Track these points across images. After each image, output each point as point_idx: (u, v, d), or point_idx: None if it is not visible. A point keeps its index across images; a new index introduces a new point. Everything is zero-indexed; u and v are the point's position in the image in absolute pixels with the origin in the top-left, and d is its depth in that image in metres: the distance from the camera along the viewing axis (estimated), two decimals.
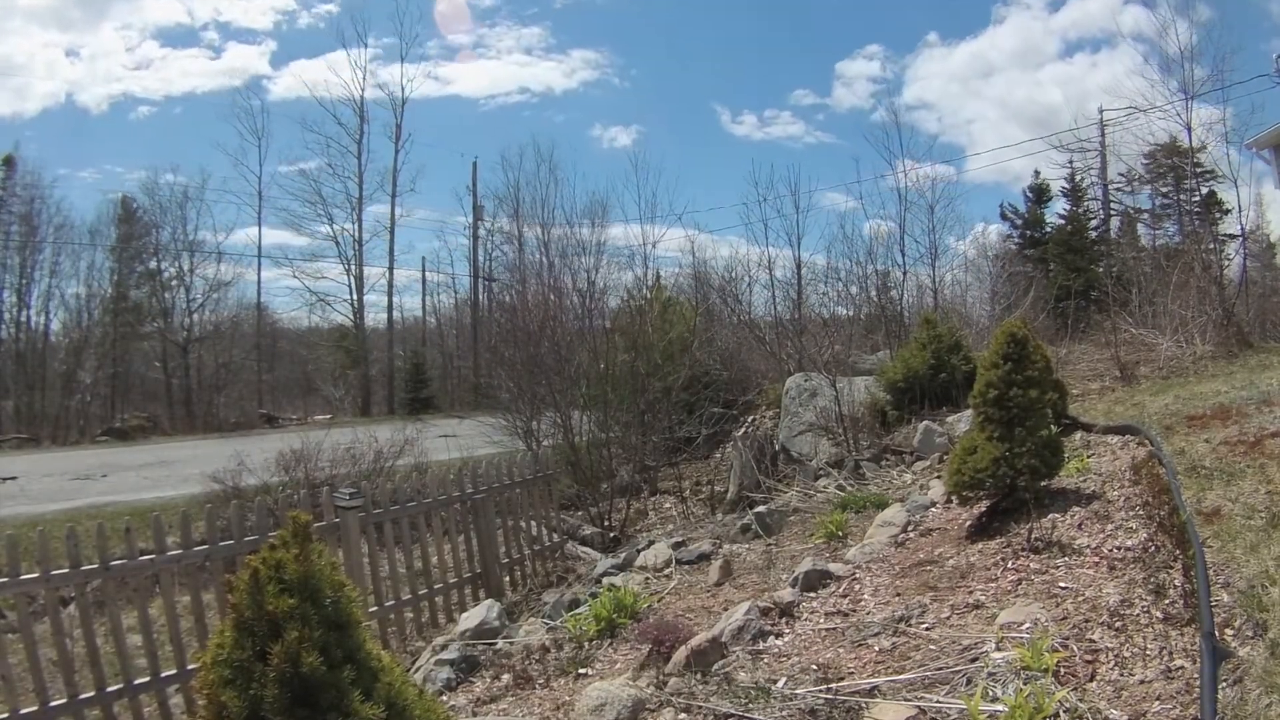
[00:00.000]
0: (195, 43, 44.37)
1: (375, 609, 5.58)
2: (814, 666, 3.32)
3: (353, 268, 28.98)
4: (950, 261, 17.57)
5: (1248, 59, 25.00)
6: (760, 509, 7.09)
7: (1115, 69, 41.83)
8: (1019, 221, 26.50)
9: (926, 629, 3.47)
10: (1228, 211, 17.83)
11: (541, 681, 4.04)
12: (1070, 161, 24.56)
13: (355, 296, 29.19)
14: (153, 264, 28.00)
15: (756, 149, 48.25)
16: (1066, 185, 25.13)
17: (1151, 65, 15.97)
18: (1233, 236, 16.65)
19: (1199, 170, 18.43)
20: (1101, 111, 23.22)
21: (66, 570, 4.33)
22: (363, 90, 28.84)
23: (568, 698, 3.71)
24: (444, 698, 4.12)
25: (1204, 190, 19.90)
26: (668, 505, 10.03)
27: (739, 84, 53.63)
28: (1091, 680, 2.65)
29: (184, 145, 48.34)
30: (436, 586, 6.23)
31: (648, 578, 5.85)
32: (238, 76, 45.77)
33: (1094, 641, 2.87)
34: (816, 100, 53.89)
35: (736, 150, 48.67)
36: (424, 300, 34.11)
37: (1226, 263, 14.95)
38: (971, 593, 3.77)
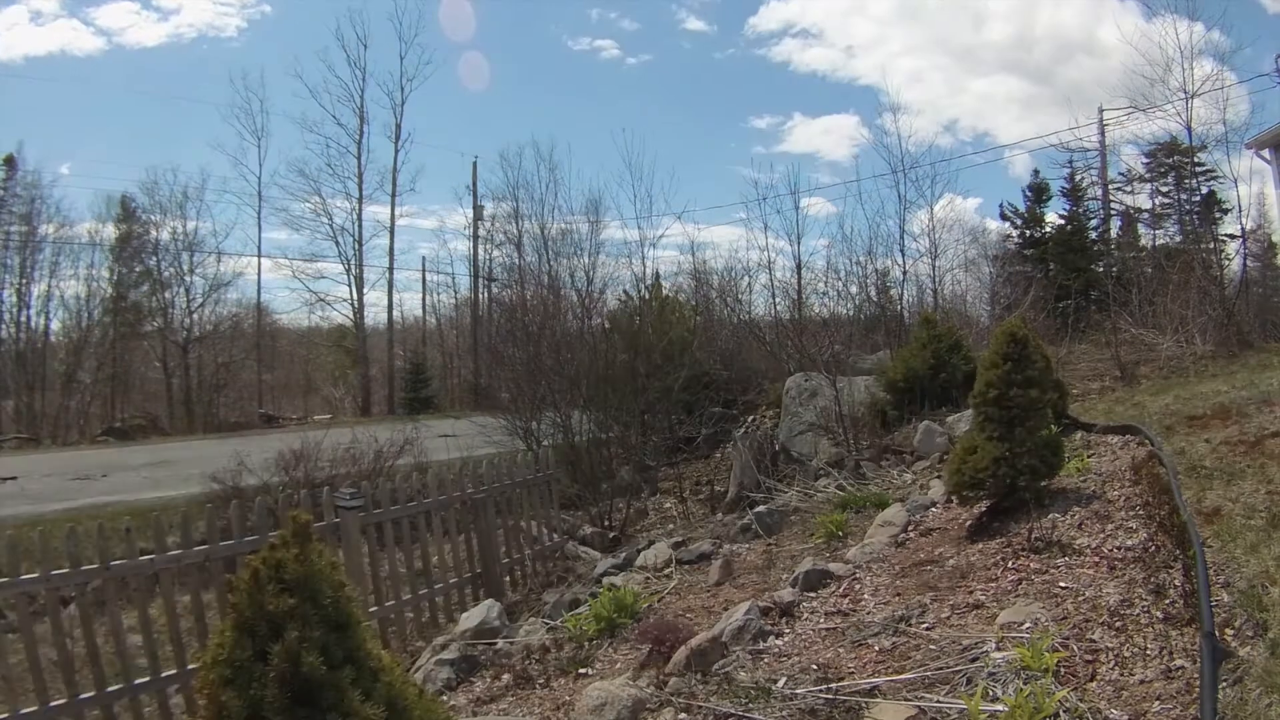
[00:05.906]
0: None
1: (375, 609, 5.58)
2: (814, 666, 3.32)
3: (353, 268, 28.96)
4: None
5: (1246, 59, 24.96)
6: (760, 509, 7.08)
7: None
8: (1019, 221, 26.48)
9: (927, 629, 3.47)
10: (1228, 211, 17.85)
11: (541, 681, 4.04)
12: (1070, 162, 24.54)
13: (355, 296, 29.15)
14: (151, 262, 27.96)
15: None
16: (1066, 185, 25.12)
17: None
18: (1233, 236, 16.67)
19: (1199, 170, 18.43)
20: (1101, 111, 23.22)
21: (66, 570, 4.33)
22: (363, 90, 28.80)
23: (568, 697, 3.71)
24: (444, 697, 4.12)
25: (1204, 190, 19.90)
26: (668, 505, 10.02)
27: None
28: (1092, 680, 2.65)
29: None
30: (436, 586, 6.23)
31: (648, 577, 5.85)
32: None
33: (1094, 641, 2.87)
34: (635, 26, 42.93)
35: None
36: (424, 300, 34.06)
37: (1227, 263, 14.98)
38: (972, 592, 3.76)
